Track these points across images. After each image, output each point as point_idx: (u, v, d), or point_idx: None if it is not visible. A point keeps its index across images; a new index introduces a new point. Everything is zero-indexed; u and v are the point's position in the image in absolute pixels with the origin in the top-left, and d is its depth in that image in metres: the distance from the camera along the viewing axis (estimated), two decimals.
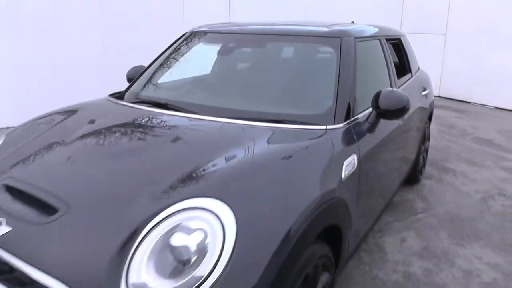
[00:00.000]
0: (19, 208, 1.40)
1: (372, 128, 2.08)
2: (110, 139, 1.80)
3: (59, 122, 2.03)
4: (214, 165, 1.44)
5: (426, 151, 3.97)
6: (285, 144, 1.65)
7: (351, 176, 1.78)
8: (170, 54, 2.73)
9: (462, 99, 7.94)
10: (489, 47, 7.34)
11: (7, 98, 5.23)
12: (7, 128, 5.30)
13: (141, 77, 2.60)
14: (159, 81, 2.57)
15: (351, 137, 1.90)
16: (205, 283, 1.13)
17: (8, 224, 1.33)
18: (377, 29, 2.84)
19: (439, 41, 8.50)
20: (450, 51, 8.30)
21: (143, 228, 1.21)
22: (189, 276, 1.13)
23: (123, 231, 1.22)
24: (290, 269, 1.32)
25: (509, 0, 6.93)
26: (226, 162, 1.46)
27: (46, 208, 1.35)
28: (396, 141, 2.57)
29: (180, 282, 1.13)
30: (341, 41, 2.23)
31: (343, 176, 1.70)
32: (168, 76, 2.61)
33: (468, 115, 6.76)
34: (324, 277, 1.67)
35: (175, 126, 1.88)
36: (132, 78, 2.77)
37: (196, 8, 6.36)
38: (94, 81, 5.69)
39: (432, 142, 4.88)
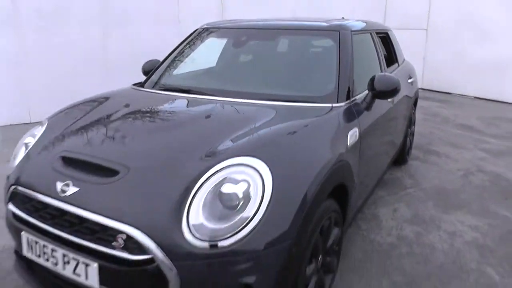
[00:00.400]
0: (81, 173, 1.68)
1: (369, 106, 2.42)
2: (149, 116, 2.12)
3: (97, 106, 2.32)
4: (248, 133, 1.76)
5: (412, 134, 4.35)
6: (302, 118, 1.97)
7: (354, 145, 2.12)
8: (184, 47, 3.03)
9: (443, 91, 8.40)
10: (469, 41, 7.79)
11: (11, 93, 5.43)
12: (10, 125, 5.52)
13: (159, 68, 2.90)
14: (177, 71, 2.87)
15: (353, 113, 2.23)
16: (250, 223, 1.45)
17: (74, 185, 1.62)
18: (368, 24, 3.19)
19: (421, 36, 8.94)
20: (432, 46, 8.75)
21: (198, 180, 1.51)
22: (238, 217, 1.45)
23: (181, 184, 1.52)
24: (310, 220, 1.64)
25: None
26: (258, 130, 1.79)
27: (107, 172, 1.64)
28: (388, 121, 2.92)
29: (231, 222, 1.44)
30: (339, 34, 2.57)
31: (348, 144, 2.03)
32: (184, 67, 2.92)
33: (449, 104, 7.20)
34: (335, 231, 2.00)
35: (204, 106, 2.19)
36: (148, 70, 3.05)
37: (190, 7, 6.62)
38: (93, 75, 5.91)
39: (417, 128, 5.26)
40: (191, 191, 1.50)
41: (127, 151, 1.77)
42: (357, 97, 2.40)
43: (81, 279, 1.55)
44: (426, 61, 8.90)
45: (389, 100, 2.84)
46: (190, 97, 2.36)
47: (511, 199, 3.35)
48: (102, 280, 1.50)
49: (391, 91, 2.36)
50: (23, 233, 1.73)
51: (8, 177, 1.98)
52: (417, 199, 3.36)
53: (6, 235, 2.12)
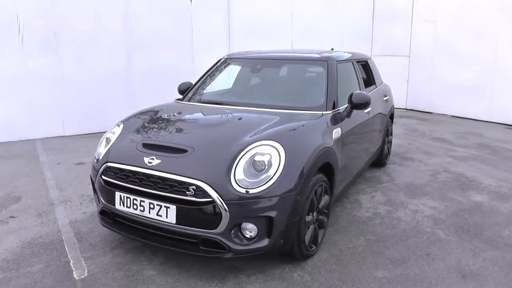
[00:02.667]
0: (160, 152, 2.58)
1: (348, 115, 3.37)
2: (198, 118, 3.07)
3: (158, 112, 3.26)
4: (268, 128, 2.70)
5: (390, 142, 5.29)
6: (301, 120, 2.91)
7: (337, 139, 3.05)
8: (211, 72, 3.99)
9: (425, 110, 9.42)
10: (446, 67, 8.85)
11: (49, 110, 6.35)
12: (46, 138, 6.39)
13: (195, 87, 3.86)
14: (207, 89, 3.84)
15: (337, 118, 3.17)
16: (272, 179, 2.36)
17: (158, 159, 2.52)
18: (351, 55, 4.18)
19: (404, 62, 10.04)
20: (413, 70, 9.83)
21: (239, 153, 2.44)
22: (265, 175, 2.37)
23: (229, 156, 2.44)
24: (308, 182, 2.55)
25: (461, 27, 8.48)
26: (274, 126, 2.73)
27: (179, 150, 2.55)
28: (364, 127, 3.85)
29: (260, 178, 2.36)
30: (327, 63, 3.55)
31: (333, 137, 2.97)
32: (212, 86, 3.89)
33: (428, 122, 8.19)
34: (325, 198, 2.91)
35: (234, 112, 3.14)
36: (183, 89, 3.99)
37: (203, 36, 7.65)
38: (119, 93, 6.88)
39: (397, 141, 6.23)
40: (235, 160, 2.42)
41: (189, 139, 2.69)
42: (340, 108, 3.35)
43: (163, 218, 2.43)
44: (409, 84, 9.96)
45: (365, 111, 3.80)
46: (222, 107, 3.32)
47: (466, 190, 4.26)
48: (178, 217, 2.38)
49: (364, 104, 3.32)
50: (116, 193, 2.62)
51: (97, 161, 2.88)
52: (391, 190, 4.26)
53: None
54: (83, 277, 2.61)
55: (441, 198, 4.03)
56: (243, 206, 2.32)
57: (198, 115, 3.23)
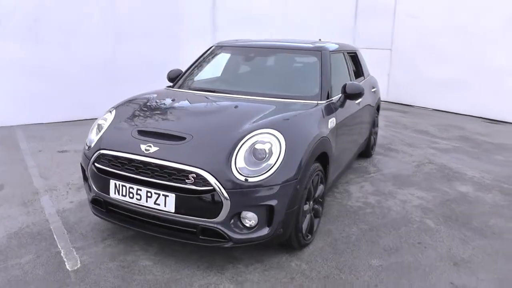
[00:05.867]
0: (157, 139, 2.51)
1: (342, 105, 3.37)
2: (192, 106, 3.00)
3: (150, 99, 3.17)
4: (266, 116, 2.66)
5: (376, 133, 5.35)
6: (298, 109, 2.89)
7: (333, 129, 3.05)
8: (202, 60, 3.92)
9: (405, 103, 9.59)
10: (428, 62, 9.02)
11: (31, 96, 6.12)
12: (28, 124, 6.17)
13: (185, 75, 3.78)
14: (198, 77, 3.76)
15: (331, 108, 3.17)
16: (273, 168, 2.33)
17: (155, 146, 2.46)
18: (341, 46, 4.18)
19: (386, 55, 10.17)
20: (395, 64, 9.97)
21: (240, 141, 2.39)
22: (265, 163, 2.34)
23: (229, 144, 2.39)
24: (307, 171, 2.54)
25: (445, 23, 8.63)
26: (274, 114, 2.70)
27: (176, 138, 2.48)
28: (356, 117, 3.87)
29: (261, 167, 2.33)
30: (321, 53, 3.53)
31: (328, 127, 2.96)
32: (203, 73, 3.81)
33: (410, 115, 8.34)
34: (321, 187, 2.91)
35: (229, 100, 3.09)
36: (172, 77, 3.90)
37: (187, 25, 7.51)
38: (103, 83, 6.70)
39: (380, 132, 6.31)
40: (236, 148, 2.38)
41: (187, 126, 2.63)
42: (333, 98, 3.35)
43: (160, 207, 2.37)
44: (390, 77, 10.10)
45: (356, 102, 3.82)
46: (215, 95, 3.26)
47: (451, 181, 4.37)
48: (176, 206, 2.34)
49: (358, 94, 3.33)
50: (111, 181, 2.54)
51: (88, 148, 2.78)
52: (379, 180, 4.32)
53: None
54: (76, 268, 2.53)
55: (427, 189, 4.12)
56: (244, 194, 2.30)
57: (193, 102, 3.16)
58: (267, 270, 2.55)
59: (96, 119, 6.57)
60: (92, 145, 2.78)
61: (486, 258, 2.82)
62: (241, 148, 2.38)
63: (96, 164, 2.65)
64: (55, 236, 2.92)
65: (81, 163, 2.97)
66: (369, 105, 4.56)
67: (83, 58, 6.46)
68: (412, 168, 4.77)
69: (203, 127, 2.62)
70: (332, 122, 3.07)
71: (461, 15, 8.35)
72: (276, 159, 2.36)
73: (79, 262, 2.59)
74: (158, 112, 2.93)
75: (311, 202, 2.76)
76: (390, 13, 10.01)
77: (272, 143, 2.41)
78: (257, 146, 2.39)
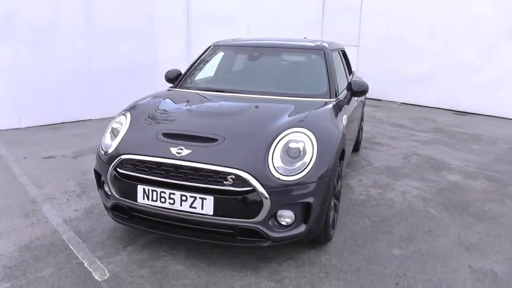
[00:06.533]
0: (187, 141, 2.47)
1: (348, 102, 3.48)
2: (215, 105, 3.00)
3: (164, 101, 3.11)
4: (293, 114, 2.70)
5: (362, 129, 5.54)
6: (315, 107, 2.96)
7: (345, 126, 3.14)
8: (203, 59, 3.87)
9: (374, 98, 9.95)
10: (397, 58, 9.41)
11: (4, 100, 5.75)
12: (5, 130, 5.80)
13: (187, 74, 3.72)
14: (200, 76, 3.73)
15: (341, 106, 3.26)
16: (309, 165, 2.38)
17: (187, 148, 2.42)
18: (335, 44, 4.29)
19: (353, 52, 10.49)
20: (362, 60, 10.31)
21: (273, 141, 2.42)
22: (301, 162, 2.38)
23: (264, 143, 2.41)
24: (335, 167, 2.61)
25: (414, 21, 9.03)
26: (298, 113, 2.74)
27: (208, 140, 2.46)
28: (355, 113, 4.00)
29: (297, 165, 2.36)
30: (324, 52, 3.61)
31: (344, 124, 3.05)
32: (205, 73, 3.78)
33: (382, 108, 8.68)
34: (339, 182, 3.00)
35: (247, 100, 3.09)
36: (171, 77, 3.82)
37: (162, 24, 7.35)
38: (79, 85, 6.42)
39: None
40: (271, 148, 2.40)
41: (215, 127, 2.60)
42: (340, 95, 3.44)
43: (197, 210, 2.34)
44: (358, 73, 10.41)
45: (356, 98, 3.95)
46: (228, 95, 3.26)
47: (439, 171, 4.62)
48: (215, 208, 2.32)
49: (364, 91, 3.45)
50: (139, 186, 2.47)
51: (105, 153, 2.69)
52: (373, 173, 4.49)
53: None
54: (105, 278, 2.45)
55: (420, 179, 4.34)
56: (284, 193, 2.33)
57: (210, 103, 3.14)
58: (300, 266, 2.60)
59: (74, 122, 6.40)
60: (110, 150, 2.69)
61: (492, 241, 3.03)
62: (276, 148, 2.41)
63: (118, 170, 2.56)
64: (71, 246, 2.80)
65: (95, 169, 2.86)
66: (361, 100, 4.71)
67: (58, 58, 6.15)
68: (400, 160, 5.00)
69: (232, 128, 2.61)
70: (345, 119, 3.16)
71: (428, 12, 8.79)
72: (310, 157, 2.41)
73: (107, 271, 2.51)
74: (178, 114, 2.89)
75: (333, 198, 2.84)
76: (357, 10, 10.33)
77: (305, 141, 2.45)
78: (291, 145, 2.43)
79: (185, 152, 2.41)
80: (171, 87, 3.66)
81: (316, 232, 2.58)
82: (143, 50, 7.19)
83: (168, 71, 3.93)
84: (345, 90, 3.60)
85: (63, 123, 6.29)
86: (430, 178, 4.38)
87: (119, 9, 6.72)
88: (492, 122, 7.48)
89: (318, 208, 2.45)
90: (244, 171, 2.29)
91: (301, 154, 2.41)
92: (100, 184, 2.85)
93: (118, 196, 2.61)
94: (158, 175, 2.44)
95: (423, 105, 9.02)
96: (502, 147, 5.73)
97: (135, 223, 2.62)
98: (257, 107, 2.94)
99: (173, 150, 2.43)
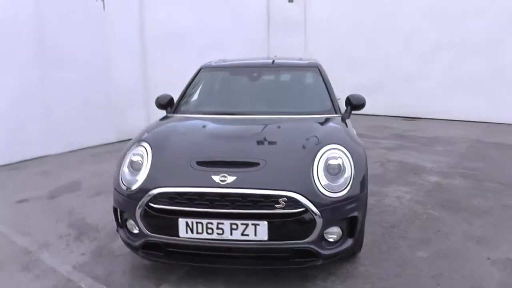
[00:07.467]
0: (228, 168, 2.39)
1: (349, 115, 3.62)
2: (236, 128, 2.94)
3: (179, 127, 3.04)
4: (320, 131, 2.76)
5: None
6: (335, 123, 3.05)
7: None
8: (196, 82, 3.81)
9: None
10: (342, 68, 9.93)
11: None
12: None
13: (183, 100, 3.64)
14: (198, 100, 3.66)
15: (345, 120, 3.38)
16: (351, 180, 2.43)
17: (231, 175, 2.35)
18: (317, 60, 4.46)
19: None
20: None
21: (314, 159, 2.45)
22: (344, 177, 2.43)
23: (305, 163, 2.42)
24: (367, 179, 2.70)
25: (355, 34, 9.64)
26: (324, 130, 2.84)
27: (248, 164, 2.42)
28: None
29: (341, 181, 2.41)
30: (319, 68, 3.75)
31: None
32: (201, 96, 3.72)
33: None
34: None
35: (259, 121, 3.12)
36: (163, 103, 3.68)
37: (116, 46, 7.06)
38: (32, 115, 5.94)
39: None
40: (313, 166, 2.42)
41: (250, 151, 2.57)
42: (341, 110, 3.57)
43: (250, 237, 2.28)
44: None
45: None
46: (241, 117, 3.25)
47: (419, 174, 4.94)
48: (270, 233, 2.27)
49: (362, 104, 3.62)
50: (180, 219, 2.34)
51: (127, 189, 2.52)
52: None
53: None
54: None
55: (406, 184, 4.60)
56: (334, 210, 2.35)
57: (229, 126, 3.09)
58: (344, 280, 2.62)
59: (32, 159, 5.83)
60: (136, 185, 2.52)
61: (495, 233, 3.30)
62: (319, 166, 2.44)
63: (152, 205, 2.41)
64: None
65: (116, 208, 2.67)
66: None
67: (8, 90, 5.63)
68: (379, 168, 5.26)
69: (268, 150, 2.60)
70: (354, 132, 3.29)
71: (366, 25, 9.46)
72: (350, 172, 2.47)
73: None
74: (202, 140, 2.80)
75: None
76: (301, 25, 10.81)
77: (342, 157, 2.51)
78: (331, 162, 2.47)
79: (230, 179, 2.34)
80: (169, 112, 3.54)
81: (359, 244, 2.64)
82: (99, 75, 6.85)
83: (159, 96, 3.78)
84: (344, 105, 3.75)
85: (21, 161, 5.74)
86: (414, 181, 4.67)
87: (73, 35, 6.37)
88: (440, 125, 8.17)
89: (361, 221, 2.51)
90: (295, 192, 2.29)
91: (342, 169, 2.47)
92: (122, 222, 2.66)
93: (150, 233, 2.45)
94: (202, 206, 2.34)
95: (372, 114, 9.57)
96: (461, 146, 6.29)
97: (174, 259, 2.48)
98: (279, 127, 2.96)
99: (216, 178, 2.35)
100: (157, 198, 2.41)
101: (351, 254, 2.81)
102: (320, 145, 2.58)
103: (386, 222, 3.53)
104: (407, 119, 8.97)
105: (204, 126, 3.04)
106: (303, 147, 2.59)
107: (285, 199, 2.28)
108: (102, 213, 3.86)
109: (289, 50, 10.76)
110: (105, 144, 6.97)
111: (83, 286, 2.66)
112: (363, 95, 3.65)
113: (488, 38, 8.09)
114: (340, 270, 2.74)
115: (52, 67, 6.13)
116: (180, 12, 8.27)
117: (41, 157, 6.07)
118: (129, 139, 3.10)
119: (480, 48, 8.18)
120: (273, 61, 3.96)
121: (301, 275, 2.68)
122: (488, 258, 2.90)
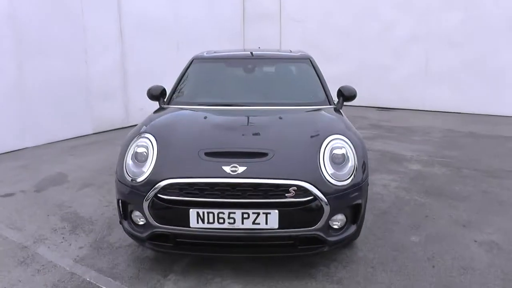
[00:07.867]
0: (238, 159, 2.43)
1: (341, 107, 3.73)
2: (239, 119, 3.00)
3: (180, 119, 3.04)
4: (324, 122, 2.84)
5: None
6: (331, 114, 3.14)
7: None
8: (189, 73, 3.80)
9: None
10: (316, 61, 10.08)
11: None
12: None
13: (176, 90, 3.63)
14: (193, 91, 3.66)
15: (339, 111, 3.48)
16: (355, 168, 2.53)
17: (241, 166, 2.40)
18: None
19: None
20: None
21: (319, 149, 2.53)
22: (348, 166, 2.52)
23: (312, 153, 2.50)
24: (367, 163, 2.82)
25: (325, 26, 9.78)
26: (321, 120, 2.90)
27: (257, 155, 2.47)
28: None
29: (346, 169, 2.50)
30: (310, 60, 3.82)
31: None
32: (195, 87, 3.72)
33: None
34: None
35: (257, 112, 3.19)
36: (154, 94, 3.66)
37: (94, 35, 6.87)
38: (8, 107, 5.72)
39: None
40: (319, 156, 2.50)
41: (257, 142, 2.62)
42: (334, 102, 3.67)
43: (261, 226, 2.34)
44: None
45: None
46: (240, 108, 3.28)
47: (400, 162, 5.15)
48: (280, 221, 2.34)
49: (354, 96, 3.72)
50: (191, 210, 2.37)
51: (132, 180, 2.52)
52: None
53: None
54: None
55: (390, 172, 4.80)
56: (340, 198, 2.44)
57: (231, 117, 3.13)
58: (347, 266, 2.74)
59: (9, 152, 5.60)
60: (143, 176, 2.52)
61: (479, 217, 3.52)
62: (324, 155, 2.52)
63: (160, 196, 2.42)
64: None
65: (121, 200, 2.65)
66: None
67: None
68: None
69: (275, 140, 2.64)
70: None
71: (339, 17, 9.64)
72: (353, 161, 2.57)
73: None
74: (208, 131, 2.81)
75: None
76: (276, 17, 10.85)
77: (345, 147, 2.61)
78: (336, 151, 2.56)
79: (241, 169, 2.38)
80: (163, 104, 3.52)
81: (360, 230, 2.76)
82: (77, 65, 6.66)
83: (151, 87, 3.75)
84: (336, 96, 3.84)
85: None
86: (397, 170, 4.87)
87: (50, 24, 6.15)
88: (414, 115, 8.50)
89: (364, 208, 2.63)
90: (305, 181, 2.36)
91: (346, 159, 2.56)
92: (127, 214, 2.66)
93: (158, 224, 2.46)
94: (213, 196, 2.37)
95: (348, 104, 9.80)
96: (436, 135, 6.58)
97: (183, 250, 2.51)
98: (281, 118, 3.02)
99: (227, 169, 2.39)
100: (166, 189, 2.42)
101: (355, 239, 2.93)
102: (323, 135, 2.67)
103: (377, 210, 3.69)
104: (382, 109, 9.26)
105: (205, 117, 3.06)
106: (309, 137, 2.66)
107: (295, 188, 2.35)
108: (93, 205, 3.82)
109: (264, 42, 10.83)
110: (82, 136, 6.81)
111: (88, 279, 2.64)
112: None
113: (462, 32, 8.44)
114: (340, 257, 2.85)
115: (28, 58, 5.91)
116: (157, 2, 8.12)
117: (17, 150, 5.86)
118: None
119: (454, 41, 8.52)
120: (267, 53, 4.00)
121: (303, 263, 2.77)
122: (475, 241, 3.10)
